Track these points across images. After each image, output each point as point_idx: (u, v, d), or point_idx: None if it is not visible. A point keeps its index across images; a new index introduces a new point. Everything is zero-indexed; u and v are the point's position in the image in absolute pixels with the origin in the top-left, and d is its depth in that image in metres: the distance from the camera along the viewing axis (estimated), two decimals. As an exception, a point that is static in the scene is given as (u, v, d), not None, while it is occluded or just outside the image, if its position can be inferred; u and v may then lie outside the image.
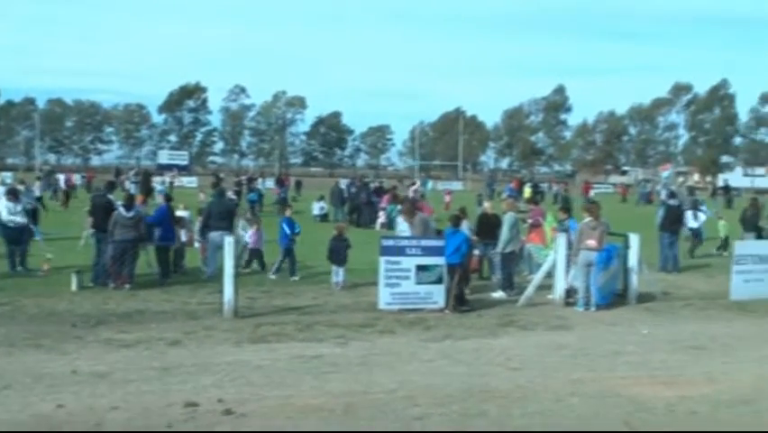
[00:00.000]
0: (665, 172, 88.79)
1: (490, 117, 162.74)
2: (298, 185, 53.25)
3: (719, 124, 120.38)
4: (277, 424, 7.70)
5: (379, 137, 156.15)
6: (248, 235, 19.29)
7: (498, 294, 16.04)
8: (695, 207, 25.63)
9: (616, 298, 15.47)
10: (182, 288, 16.23)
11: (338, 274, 16.69)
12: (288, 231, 18.10)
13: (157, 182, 50.95)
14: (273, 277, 17.66)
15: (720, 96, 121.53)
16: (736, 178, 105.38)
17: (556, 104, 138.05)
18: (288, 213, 19.21)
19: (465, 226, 16.33)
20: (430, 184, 64.46)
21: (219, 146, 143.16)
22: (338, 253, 16.74)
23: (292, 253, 18.08)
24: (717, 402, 8.77)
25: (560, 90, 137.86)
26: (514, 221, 16.61)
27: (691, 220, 24.60)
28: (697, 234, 24.41)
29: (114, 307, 14.03)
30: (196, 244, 21.25)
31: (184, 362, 10.02)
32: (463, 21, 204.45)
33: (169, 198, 19.16)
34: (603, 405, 8.56)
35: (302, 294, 15.81)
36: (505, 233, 16.31)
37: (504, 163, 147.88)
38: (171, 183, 58.72)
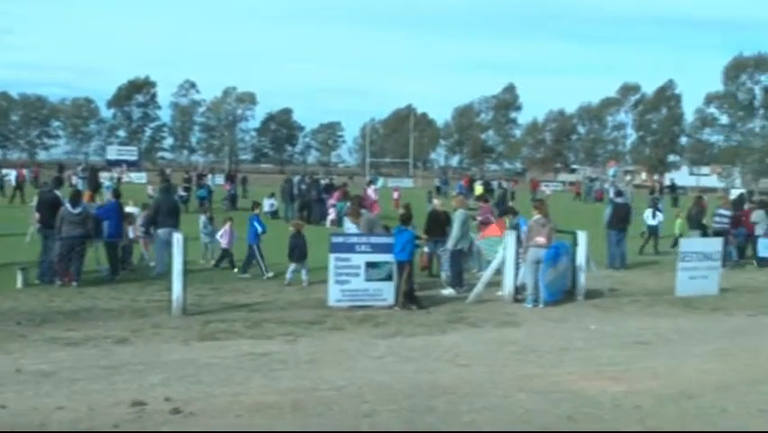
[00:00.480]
0: (611, 170, 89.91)
1: (441, 115, 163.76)
2: (244, 181, 52.41)
3: (666, 124, 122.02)
4: (225, 423, 7.65)
5: (329, 134, 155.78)
6: (220, 234, 19.05)
7: (448, 291, 16.11)
8: (655, 205, 26.00)
9: (564, 295, 15.63)
10: (130, 285, 16.08)
11: (297, 272, 16.63)
12: (259, 229, 17.97)
13: (105, 178, 50.31)
14: (246, 276, 17.46)
15: (667, 97, 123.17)
16: (682, 177, 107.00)
17: (506, 102, 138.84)
18: (257, 211, 19.02)
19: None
20: (381, 181, 64.48)
21: (168, 142, 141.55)
22: (299, 250, 16.70)
23: (260, 251, 17.92)
24: (661, 397, 8.90)
25: (510, 89, 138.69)
26: (464, 218, 16.69)
27: (650, 218, 24.94)
28: (654, 232, 24.74)
29: (60, 304, 13.83)
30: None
31: (131, 360, 9.91)
32: (415, 19, 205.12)
33: (117, 194, 18.93)
34: (550, 400, 8.64)
35: (251, 291, 15.74)
36: (455, 230, 16.39)
37: (454, 161, 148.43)
38: (120, 179, 57.99)
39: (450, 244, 16.42)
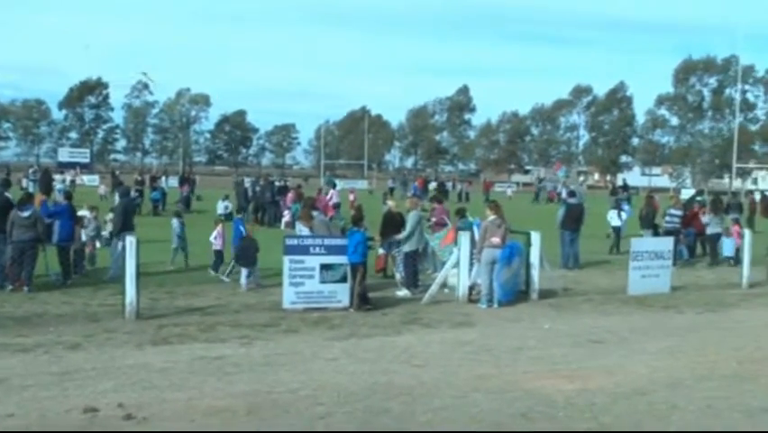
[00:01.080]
0: (560, 172, 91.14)
1: (395, 117, 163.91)
2: (191, 183, 50.90)
3: (618, 126, 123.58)
4: (179, 427, 7.59)
5: (284, 136, 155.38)
6: (214, 236, 18.75)
7: (403, 292, 16.14)
8: (618, 206, 26.28)
9: (518, 295, 15.75)
10: (83, 289, 15.87)
11: (248, 275, 16.50)
12: (244, 232, 17.80)
13: (58, 180, 49.66)
14: (227, 280, 17.29)
15: (618, 99, 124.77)
16: (634, 177, 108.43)
17: (460, 104, 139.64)
18: (240, 214, 18.79)
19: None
20: (337, 183, 64.34)
21: (121, 144, 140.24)
22: (247, 253, 16.60)
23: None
24: (614, 394, 9.00)
25: (464, 90, 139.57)
26: (417, 219, 16.73)
27: (615, 218, 25.20)
28: (618, 232, 24.99)
29: (11, 310, 13.61)
30: (98, 245, 20.81)
31: (84, 366, 9.78)
32: (369, 21, 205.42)
33: (69, 197, 18.68)
34: (505, 399, 8.69)
35: (205, 294, 15.63)
36: (408, 231, 16.42)
37: (409, 162, 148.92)
38: (73, 181, 57.28)
39: (403, 245, 16.45)
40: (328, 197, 34.03)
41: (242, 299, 15.23)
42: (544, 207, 52.15)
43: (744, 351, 11.72)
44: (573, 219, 21.65)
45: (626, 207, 28.03)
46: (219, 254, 18.49)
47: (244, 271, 16.56)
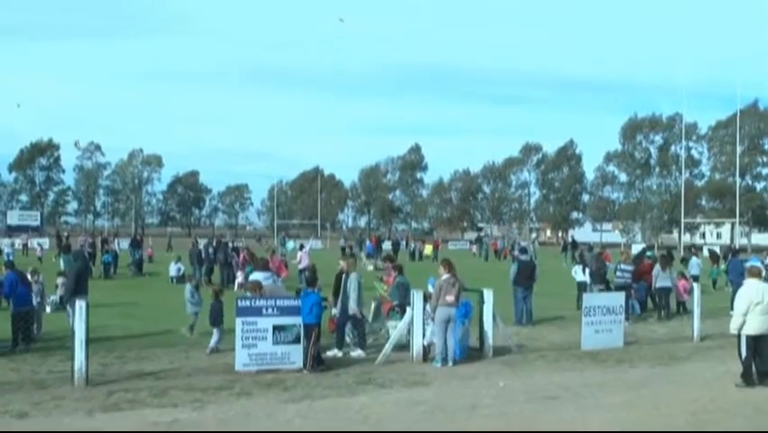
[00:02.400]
0: (511, 233, 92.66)
1: (348, 176, 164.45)
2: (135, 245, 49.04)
3: (568, 183, 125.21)
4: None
5: (237, 196, 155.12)
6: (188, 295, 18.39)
7: (356, 353, 16.03)
8: (582, 261, 26.47)
9: (470, 352, 15.74)
10: (31, 355, 15.52)
11: (219, 337, 16.26)
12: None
13: (6, 245, 48.84)
14: (189, 335, 17.00)
15: (568, 156, 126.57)
16: (585, 233, 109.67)
17: (412, 163, 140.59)
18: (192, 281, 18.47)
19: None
20: (291, 244, 63.97)
21: (73, 206, 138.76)
22: (217, 314, 16.41)
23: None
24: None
25: (416, 149, 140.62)
26: (358, 281, 16.55)
27: (580, 274, 25.34)
28: (584, 288, 25.04)
29: (-46, 378, 13.28)
30: (48, 309, 20.49)
31: (30, 434, 9.56)
32: (320, 82, 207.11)
33: (11, 265, 18.40)
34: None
35: (157, 358, 15.38)
36: (351, 292, 16.26)
37: (362, 221, 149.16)
38: (25, 246, 56.22)
39: (349, 307, 16.27)
40: (297, 259, 33.79)
41: (195, 362, 15.01)
42: (492, 265, 52.31)
43: (697, 403, 11.81)
44: (525, 276, 21.78)
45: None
46: (195, 315, 18.27)
47: (216, 333, 16.29)
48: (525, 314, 21.28)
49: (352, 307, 16.12)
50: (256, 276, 17.12)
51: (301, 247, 37.29)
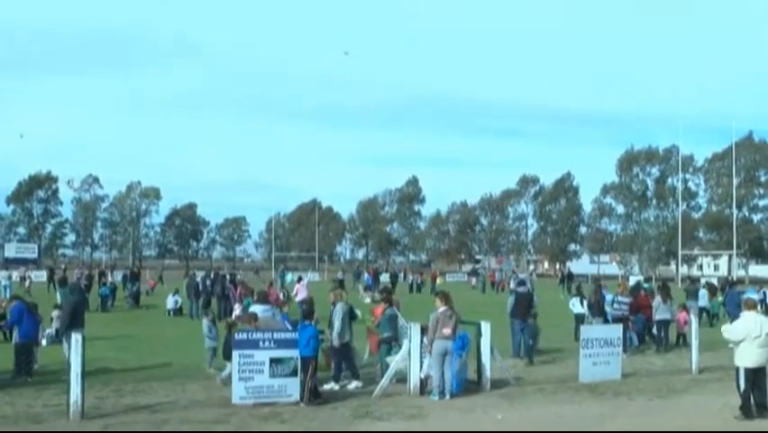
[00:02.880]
0: (503, 265, 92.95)
1: (346, 208, 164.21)
2: (132, 277, 48.32)
3: (565, 215, 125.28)
4: None
5: (234, 229, 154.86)
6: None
7: (353, 385, 15.98)
8: (580, 293, 26.43)
9: (467, 385, 15.69)
10: (26, 389, 15.44)
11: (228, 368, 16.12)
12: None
13: (3, 277, 48.59)
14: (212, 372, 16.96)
15: (565, 188, 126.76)
16: (583, 265, 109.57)
17: (410, 195, 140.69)
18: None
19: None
20: (290, 276, 63.89)
21: (70, 238, 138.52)
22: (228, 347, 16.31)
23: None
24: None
25: (413, 182, 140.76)
26: (344, 311, 16.56)
27: (578, 306, 25.29)
28: (582, 319, 25.00)
29: (-52, 412, 13.21)
30: (44, 342, 20.44)
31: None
32: (318, 113, 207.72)
33: (16, 296, 18.45)
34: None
35: (153, 391, 15.30)
36: (336, 325, 16.25)
37: (360, 254, 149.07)
38: (23, 278, 54.96)
39: (333, 339, 16.25)
40: (294, 291, 33.77)
41: (191, 395, 14.95)
42: (486, 296, 52.22)
43: (695, 437, 11.78)
44: (523, 308, 21.73)
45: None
46: (213, 350, 18.10)
47: (229, 366, 16.17)
48: (522, 346, 21.20)
49: (333, 337, 16.11)
50: (255, 309, 17.12)
51: (299, 280, 37.19)
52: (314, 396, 14.14)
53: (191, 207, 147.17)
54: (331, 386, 15.81)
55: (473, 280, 70.72)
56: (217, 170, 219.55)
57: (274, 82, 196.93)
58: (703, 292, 30.64)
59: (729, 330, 13.76)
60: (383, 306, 18.08)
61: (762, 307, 26.30)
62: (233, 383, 13.85)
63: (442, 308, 15.36)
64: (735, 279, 58.19)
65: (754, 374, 13.15)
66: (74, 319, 17.19)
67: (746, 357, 13.14)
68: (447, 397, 14.76)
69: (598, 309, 23.44)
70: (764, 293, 35.97)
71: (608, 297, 23.84)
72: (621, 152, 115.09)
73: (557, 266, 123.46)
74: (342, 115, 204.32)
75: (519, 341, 21.26)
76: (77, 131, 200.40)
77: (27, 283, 49.02)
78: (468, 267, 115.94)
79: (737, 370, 13.34)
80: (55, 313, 22.92)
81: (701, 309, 30.39)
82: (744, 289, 34.80)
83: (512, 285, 47.05)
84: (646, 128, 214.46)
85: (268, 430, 11.93)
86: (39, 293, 41.34)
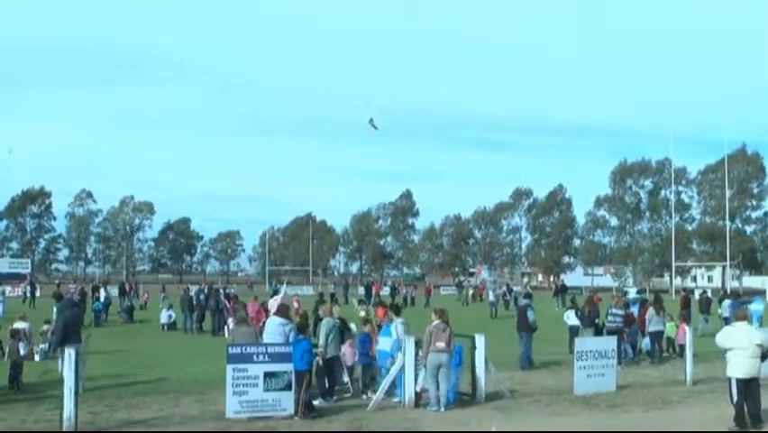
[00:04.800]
0: (482, 275, 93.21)
1: (339, 221, 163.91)
2: (123, 292, 48.62)
3: (559, 227, 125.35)
4: None
5: (228, 243, 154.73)
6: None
7: (317, 401, 15.62)
8: (575, 306, 26.46)
9: (463, 397, 15.68)
10: (19, 405, 15.36)
11: None
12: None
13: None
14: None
15: (558, 201, 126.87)
16: (577, 277, 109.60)
17: (404, 208, 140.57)
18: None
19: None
20: (284, 289, 63.53)
21: (64, 253, 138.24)
22: None
23: None
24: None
25: (407, 195, 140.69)
26: (330, 326, 16.51)
27: (572, 318, 25.30)
28: (576, 332, 24.97)
29: (-59, 428, 13.15)
30: (37, 358, 20.39)
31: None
32: (311, 128, 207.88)
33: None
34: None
35: (147, 406, 15.24)
36: (321, 339, 16.23)
37: (354, 267, 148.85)
38: (31, 291, 54.05)
39: (319, 353, 16.19)
40: (270, 305, 33.50)
41: (185, 410, 14.89)
42: (468, 308, 52.18)
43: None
44: (524, 320, 21.87)
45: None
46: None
47: None
48: (525, 358, 21.30)
49: (320, 351, 16.05)
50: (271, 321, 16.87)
51: (275, 294, 36.86)
52: (308, 410, 14.11)
53: (185, 221, 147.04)
54: (319, 401, 15.62)
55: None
56: (211, 185, 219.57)
57: (267, 97, 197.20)
58: (727, 303, 30.62)
59: (718, 337, 13.85)
60: (387, 311, 18.05)
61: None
62: (226, 397, 13.81)
63: (435, 322, 15.38)
64: (737, 290, 58.42)
65: (747, 385, 13.17)
66: (67, 335, 17.12)
67: (738, 368, 13.18)
68: (442, 409, 14.75)
69: (589, 321, 23.52)
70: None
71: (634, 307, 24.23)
72: (614, 164, 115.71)
73: (551, 278, 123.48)
74: (335, 129, 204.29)
75: (522, 353, 21.33)
76: (70, 146, 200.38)
77: None
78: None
79: (730, 381, 13.36)
80: (45, 327, 22.89)
81: (726, 321, 29.92)
82: (749, 299, 34.76)
83: (491, 296, 47.86)
84: (639, 141, 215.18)
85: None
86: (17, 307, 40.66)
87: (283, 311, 17.08)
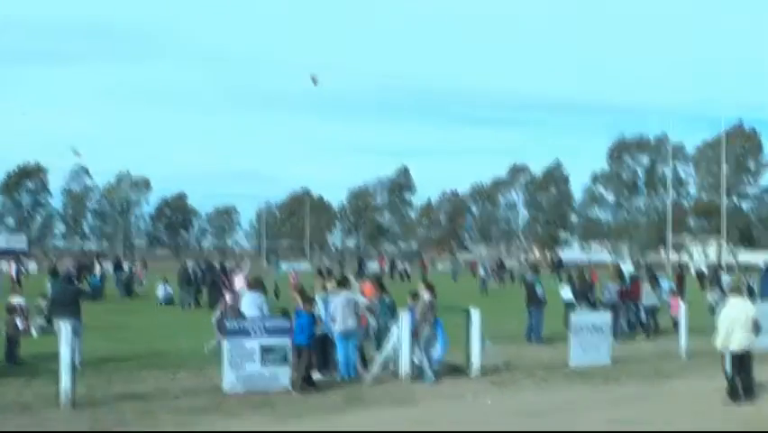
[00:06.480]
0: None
1: (336, 196, 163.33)
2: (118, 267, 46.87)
3: (556, 203, 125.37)
4: None
5: (225, 219, 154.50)
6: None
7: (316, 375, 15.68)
8: (570, 281, 26.53)
9: (459, 370, 15.80)
10: (16, 379, 15.39)
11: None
12: None
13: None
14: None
15: (555, 177, 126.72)
16: (574, 253, 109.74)
17: (400, 184, 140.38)
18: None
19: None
20: (284, 267, 63.51)
21: (60, 229, 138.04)
22: None
23: None
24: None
25: (404, 171, 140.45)
26: (320, 301, 16.56)
27: (568, 293, 25.37)
28: (572, 306, 25.01)
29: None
30: (34, 333, 20.41)
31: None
32: (307, 102, 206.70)
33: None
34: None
35: (144, 380, 15.29)
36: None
37: (351, 242, 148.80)
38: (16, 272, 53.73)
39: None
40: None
41: (181, 384, 14.93)
42: (457, 284, 52.27)
43: (684, 419, 11.88)
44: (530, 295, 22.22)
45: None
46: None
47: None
48: (533, 332, 21.58)
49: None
50: (246, 296, 16.99)
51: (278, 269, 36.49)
52: (307, 383, 14.12)
53: (181, 197, 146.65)
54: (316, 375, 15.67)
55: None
56: (207, 160, 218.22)
57: (263, 72, 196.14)
58: (726, 278, 30.65)
59: (719, 327, 13.74)
60: (374, 288, 18.10)
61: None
62: (223, 371, 13.86)
63: (427, 297, 15.61)
64: (724, 265, 58.48)
65: (741, 359, 13.26)
66: (55, 310, 17.16)
67: (732, 342, 13.26)
68: (433, 378, 14.93)
69: (582, 295, 23.69)
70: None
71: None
72: (611, 140, 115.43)
73: (547, 254, 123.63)
74: (332, 104, 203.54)
75: (534, 327, 21.74)
76: (65, 122, 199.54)
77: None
78: (462, 256, 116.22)
79: (723, 355, 13.44)
80: (42, 302, 22.95)
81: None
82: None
83: (481, 271, 48.09)
84: (636, 117, 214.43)
85: (258, 418, 11.96)
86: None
87: (256, 285, 17.01)
